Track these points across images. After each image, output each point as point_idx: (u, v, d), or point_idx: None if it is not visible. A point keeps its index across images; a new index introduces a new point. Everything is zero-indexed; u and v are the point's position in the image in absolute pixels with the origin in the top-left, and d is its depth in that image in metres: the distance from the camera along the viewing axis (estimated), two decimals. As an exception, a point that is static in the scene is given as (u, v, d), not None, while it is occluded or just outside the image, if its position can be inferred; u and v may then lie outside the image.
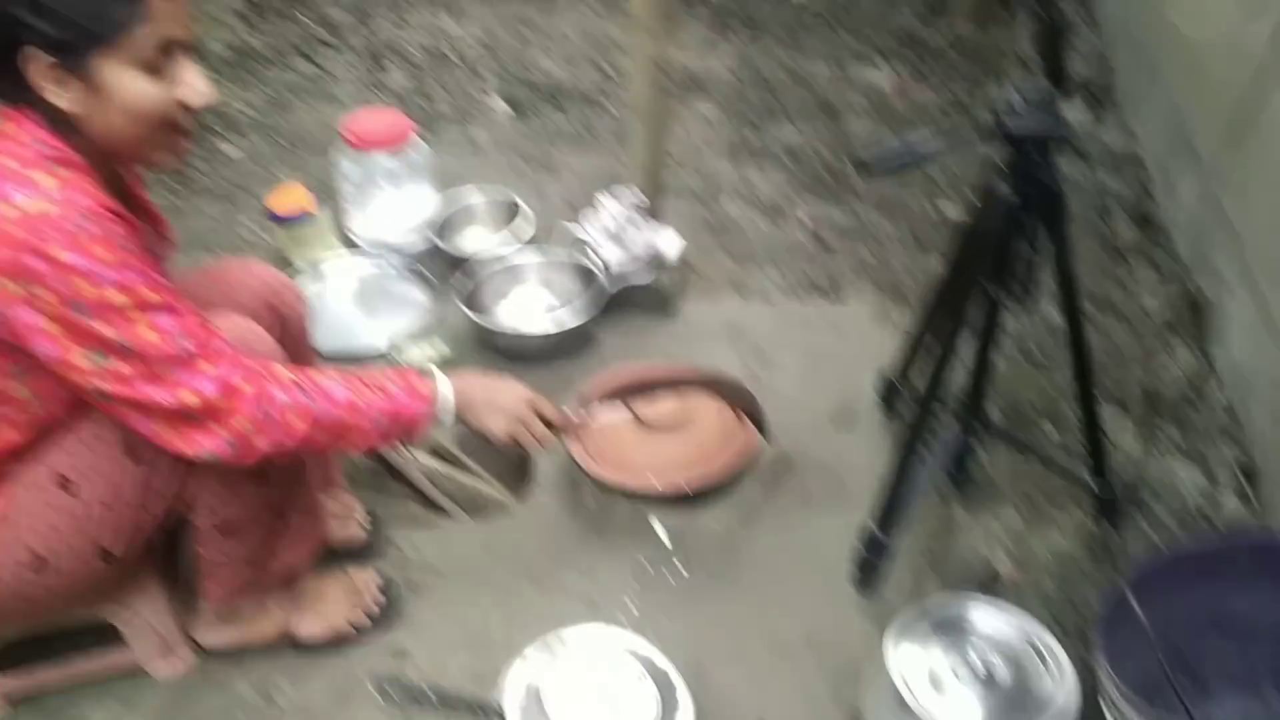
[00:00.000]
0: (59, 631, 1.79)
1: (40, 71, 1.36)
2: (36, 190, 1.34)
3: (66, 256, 1.33)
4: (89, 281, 1.35)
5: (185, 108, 1.44)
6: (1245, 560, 1.62)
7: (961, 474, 2.13)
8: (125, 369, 1.40)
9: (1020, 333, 2.53)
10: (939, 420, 2.15)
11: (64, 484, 1.55)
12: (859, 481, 2.18)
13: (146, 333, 1.39)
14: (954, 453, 2.03)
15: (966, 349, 1.94)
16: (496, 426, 1.72)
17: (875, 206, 2.99)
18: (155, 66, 1.40)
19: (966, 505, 2.12)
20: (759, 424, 2.05)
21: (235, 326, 1.61)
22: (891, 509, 1.87)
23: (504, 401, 1.73)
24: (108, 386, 1.41)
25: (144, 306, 1.39)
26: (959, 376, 2.02)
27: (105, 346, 1.38)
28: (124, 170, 1.60)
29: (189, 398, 1.43)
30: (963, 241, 1.83)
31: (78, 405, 1.52)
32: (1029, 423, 2.31)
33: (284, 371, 1.54)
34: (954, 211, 2.95)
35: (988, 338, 1.89)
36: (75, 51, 1.35)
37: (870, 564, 1.93)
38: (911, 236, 2.87)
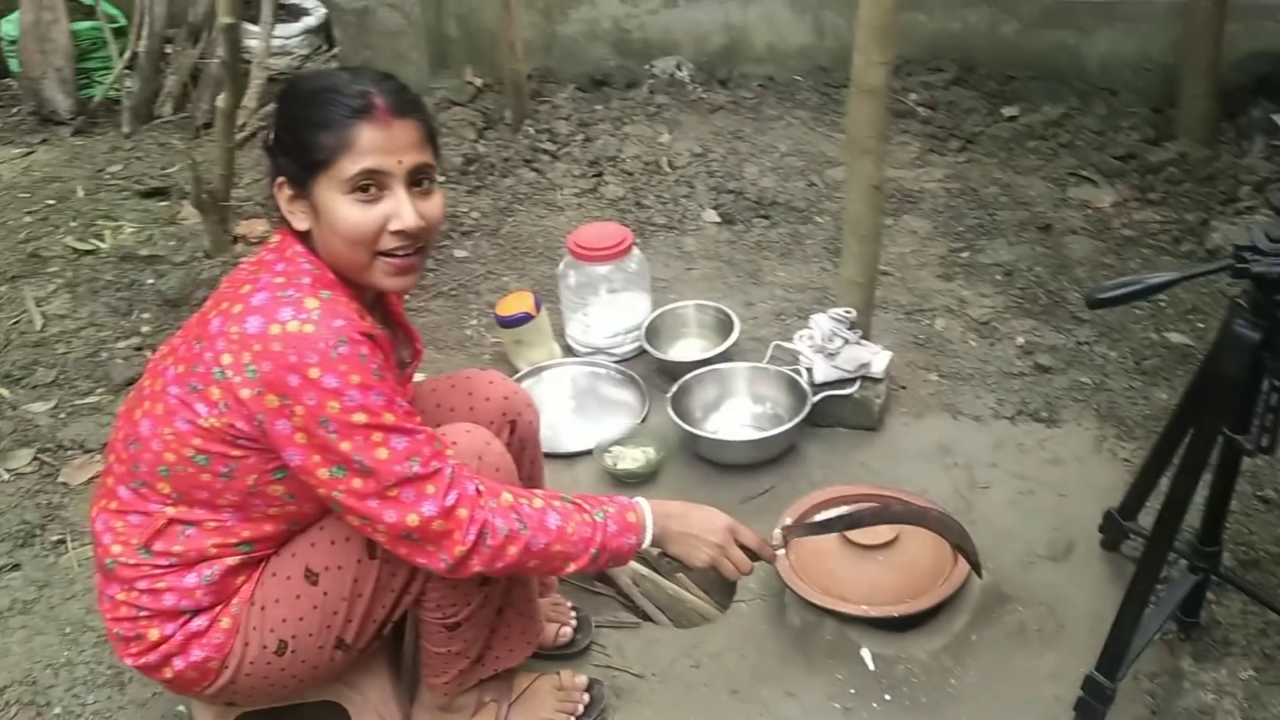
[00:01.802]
0: (291, 707, 1.90)
1: (284, 197, 1.59)
2: (301, 311, 1.49)
3: (320, 376, 1.47)
4: (337, 401, 1.47)
5: (391, 233, 1.56)
6: None
7: (1191, 621, 2.03)
8: (358, 484, 1.52)
9: (1255, 472, 2.40)
10: (1169, 563, 2.06)
11: (310, 576, 1.68)
12: (1076, 620, 2.11)
13: (380, 452, 1.50)
14: (1184, 598, 1.94)
15: (1199, 487, 1.87)
16: (696, 555, 1.74)
17: (1096, 331, 2.91)
18: (365, 193, 1.54)
19: (1196, 655, 2.01)
20: (973, 563, 2.01)
21: (472, 440, 1.71)
22: (1118, 654, 1.80)
23: (703, 530, 1.74)
24: (341, 497, 1.53)
25: (382, 428, 1.50)
26: (1191, 516, 1.93)
27: (344, 461, 1.51)
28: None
29: (411, 519, 1.53)
30: (1199, 381, 1.78)
31: (327, 504, 1.64)
32: (1265, 570, 2.18)
33: (506, 495, 1.61)
34: (1181, 340, 2.85)
35: (1225, 481, 1.81)
36: (301, 179, 1.55)
37: (1093, 711, 1.85)
38: (1135, 364, 2.78)
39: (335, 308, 1.52)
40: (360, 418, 1.49)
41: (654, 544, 1.73)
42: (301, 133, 1.54)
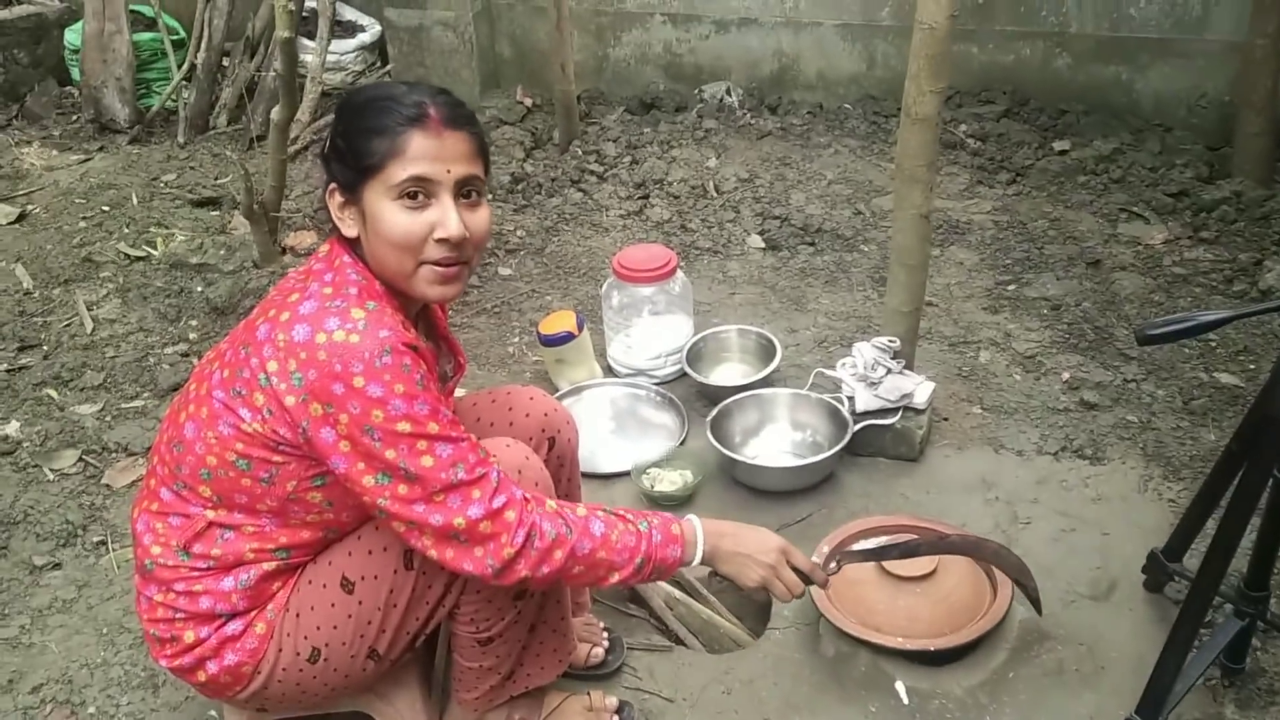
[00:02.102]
0: (321, 716, 1.91)
1: (335, 204, 1.61)
2: (347, 320, 1.51)
3: (365, 385, 1.48)
4: (382, 410, 1.49)
5: (436, 241, 1.57)
6: None
7: (1236, 667, 1.98)
8: (404, 490, 1.52)
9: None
10: (1214, 607, 2.02)
11: (346, 585, 1.68)
12: (1117, 661, 2.07)
13: (426, 460, 1.51)
14: (1229, 643, 1.90)
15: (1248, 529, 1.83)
16: (748, 575, 1.73)
17: (1143, 369, 2.87)
18: (413, 200, 1.55)
19: (1240, 702, 1.97)
20: (1033, 599, 1.98)
21: (512, 455, 1.71)
22: (1159, 698, 1.76)
23: (756, 550, 1.73)
24: (386, 503, 1.53)
25: (427, 436, 1.51)
26: (1238, 560, 1.89)
27: (389, 468, 1.51)
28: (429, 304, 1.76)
29: (458, 520, 1.53)
30: (1250, 422, 1.74)
31: (365, 513, 1.65)
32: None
33: (551, 503, 1.62)
34: (1231, 381, 2.80)
35: (1275, 524, 1.77)
36: (352, 184, 1.58)
37: (1130, 755, 1.81)
38: (1183, 404, 2.73)
39: (381, 318, 1.53)
40: (405, 426, 1.49)
41: (705, 562, 1.72)
42: (356, 138, 1.56)
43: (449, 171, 1.56)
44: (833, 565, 1.85)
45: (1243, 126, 3.66)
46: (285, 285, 1.66)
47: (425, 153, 1.54)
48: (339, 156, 1.60)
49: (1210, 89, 3.98)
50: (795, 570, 1.76)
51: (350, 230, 1.61)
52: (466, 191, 1.60)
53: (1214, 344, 2.94)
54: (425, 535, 1.55)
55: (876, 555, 1.95)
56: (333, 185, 1.61)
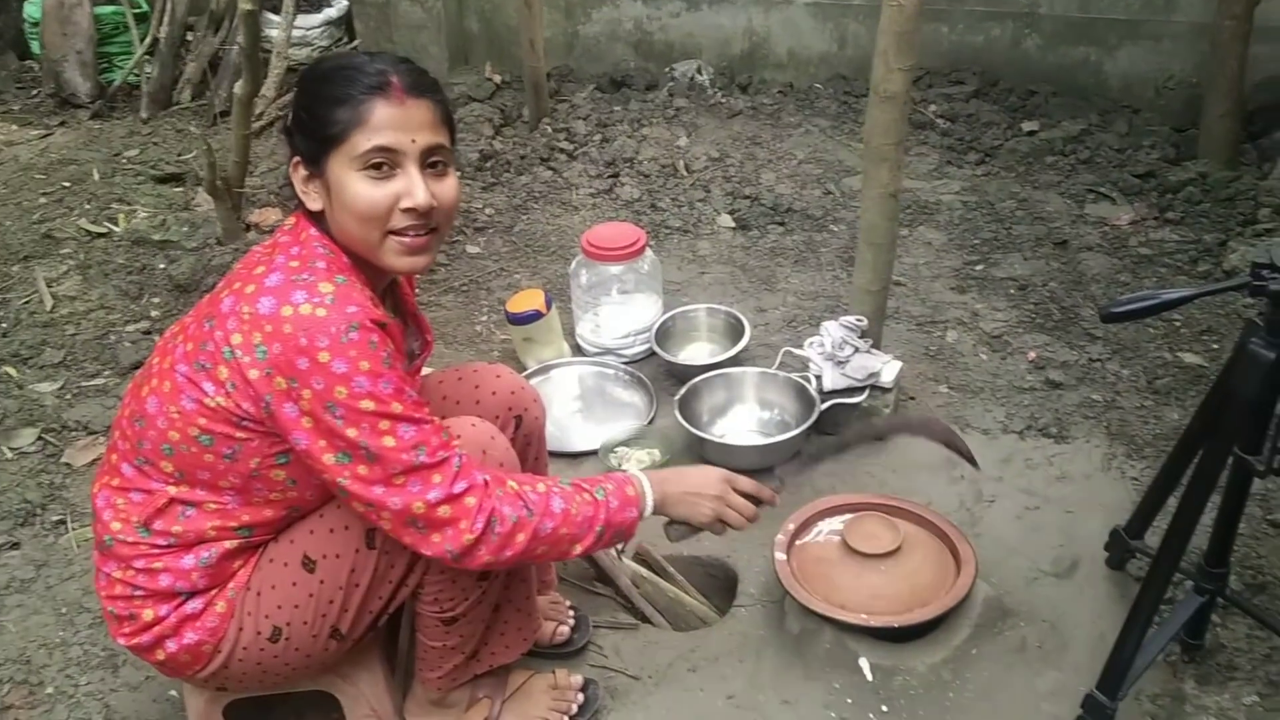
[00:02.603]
0: (282, 696, 1.89)
1: (299, 177, 1.59)
2: (315, 294, 1.49)
3: (330, 361, 1.46)
4: (345, 386, 1.47)
5: (402, 211, 1.55)
6: None
7: (1196, 643, 2.00)
8: (364, 470, 1.50)
9: (1266, 495, 2.38)
10: (1174, 583, 2.04)
11: (308, 564, 1.66)
12: (1079, 637, 2.08)
13: (387, 440, 1.49)
14: (1189, 619, 1.91)
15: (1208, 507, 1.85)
16: (700, 512, 1.75)
17: (1108, 348, 2.89)
18: (378, 171, 1.53)
19: (1199, 678, 1.99)
20: (966, 456, 2.00)
21: (478, 434, 1.70)
22: (1120, 674, 1.77)
23: (701, 486, 1.75)
24: (346, 483, 1.51)
25: (390, 416, 1.49)
26: (1199, 537, 1.91)
27: (349, 448, 1.49)
28: (399, 277, 1.74)
29: (417, 505, 1.51)
30: (1212, 400, 1.75)
31: (328, 492, 1.63)
32: (1273, 594, 2.15)
33: (511, 484, 1.60)
34: (1195, 361, 2.83)
35: (1235, 502, 1.79)
36: (316, 156, 1.55)
37: (1091, 730, 1.83)
38: (1147, 383, 2.76)
39: (350, 293, 1.51)
40: (368, 405, 1.48)
41: (656, 511, 1.72)
42: (318, 108, 1.54)
43: (414, 141, 1.54)
44: (776, 482, 1.87)
45: (1209, 108, 3.68)
46: (251, 259, 1.63)
47: (389, 122, 1.52)
48: (302, 128, 1.57)
49: (1177, 71, 4.01)
50: (744, 495, 1.77)
51: (315, 204, 1.59)
52: (432, 161, 1.57)
53: (1178, 324, 2.97)
54: (384, 518, 1.54)
55: (814, 460, 2.00)
56: (296, 159, 1.59)
